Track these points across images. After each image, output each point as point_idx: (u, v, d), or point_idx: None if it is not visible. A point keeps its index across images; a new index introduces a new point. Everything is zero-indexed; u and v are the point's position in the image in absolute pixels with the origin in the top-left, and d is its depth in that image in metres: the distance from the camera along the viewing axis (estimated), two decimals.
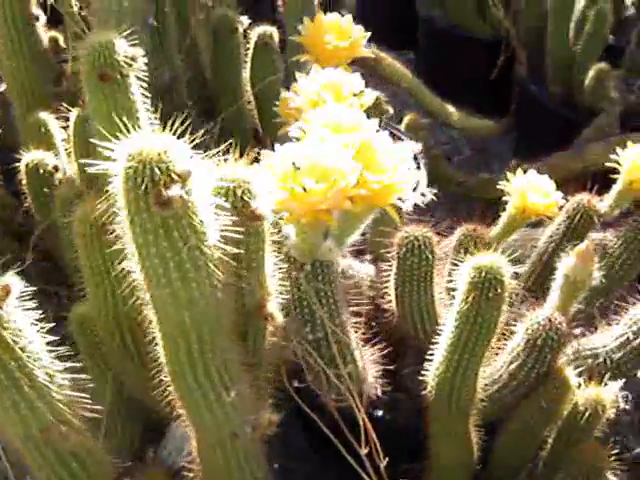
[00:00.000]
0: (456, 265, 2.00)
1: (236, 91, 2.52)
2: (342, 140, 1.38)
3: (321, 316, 1.55)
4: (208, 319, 1.18)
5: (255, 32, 2.41)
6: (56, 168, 2.19)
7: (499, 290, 1.42)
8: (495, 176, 2.83)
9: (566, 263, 1.62)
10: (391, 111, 2.64)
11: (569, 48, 2.95)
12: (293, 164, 1.24)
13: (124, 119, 1.66)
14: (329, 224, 1.41)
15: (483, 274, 1.43)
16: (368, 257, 2.26)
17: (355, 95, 1.56)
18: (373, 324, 2.08)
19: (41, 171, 2.16)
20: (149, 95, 2.29)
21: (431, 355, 1.66)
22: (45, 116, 2.29)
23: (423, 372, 1.69)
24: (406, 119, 2.85)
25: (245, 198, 1.17)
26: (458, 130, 3.21)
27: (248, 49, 2.45)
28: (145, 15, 2.02)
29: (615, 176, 2.04)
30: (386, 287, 1.98)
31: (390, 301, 1.97)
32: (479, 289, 1.43)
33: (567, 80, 2.99)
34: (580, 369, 1.69)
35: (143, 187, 0.99)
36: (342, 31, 1.86)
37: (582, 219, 2.02)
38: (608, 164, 2.05)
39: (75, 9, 2.20)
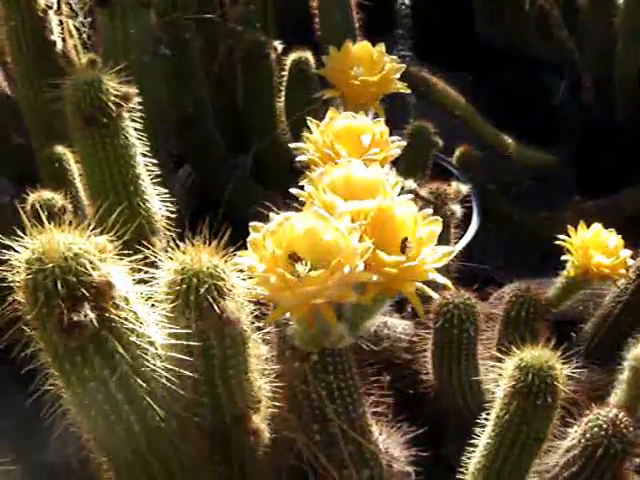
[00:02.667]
0: (504, 334, 1.69)
1: (270, 122, 2.21)
2: (351, 208, 1.05)
3: (332, 413, 1.22)
4: (164, 450, 0.86)
5: (289, 58, 2.11)
6: (63, 210, 1.90)
7: (549, 399, 1.08)
8: (556, 215, 2.48)
9: (635, 353, 1.26)
10: (441, 143, 2.31)
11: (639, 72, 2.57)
12: (279, 244, 0.92)
13: (114, 169, 1.40)
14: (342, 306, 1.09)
15: (530, 377, 1.10)
16: (410, 309, 1.94)
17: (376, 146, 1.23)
18: (410, 392, 1.76)
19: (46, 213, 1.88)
20: (165, 131, 2.03)
21: (474, 438, 1.32)
22: (61, 150, 2.00)
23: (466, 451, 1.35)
24: (458, 151, 2.51)
25: (210, 298, 0.85)
26: None
27: (283, 76, 2.14)
28: (155, 44, 1.72)
29: None
30: (425, 352, 1.67)
31: (428, 372, 1.65)
32: (524, 396, 1.09)
33: (637, 107, 2.61)
34: None
35: (43, 308, 0.68)
36: (372, 63, 1.53)
37: None
38: None
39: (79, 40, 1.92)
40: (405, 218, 1.07)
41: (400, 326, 1.80)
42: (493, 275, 2.29)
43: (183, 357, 0.82)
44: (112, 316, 0.73)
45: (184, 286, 0.87)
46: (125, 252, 1.01)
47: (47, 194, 1.84)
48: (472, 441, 1.33)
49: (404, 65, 1.55)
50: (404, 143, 1.27)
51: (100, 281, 0.70)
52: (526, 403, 1.10)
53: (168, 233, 1.55)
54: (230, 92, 2.23)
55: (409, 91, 1.56)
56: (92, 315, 0.69)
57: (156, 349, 0.82)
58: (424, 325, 1.66)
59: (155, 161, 1.48)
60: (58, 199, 1.85)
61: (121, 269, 0.77)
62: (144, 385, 0.79)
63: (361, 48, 1.54)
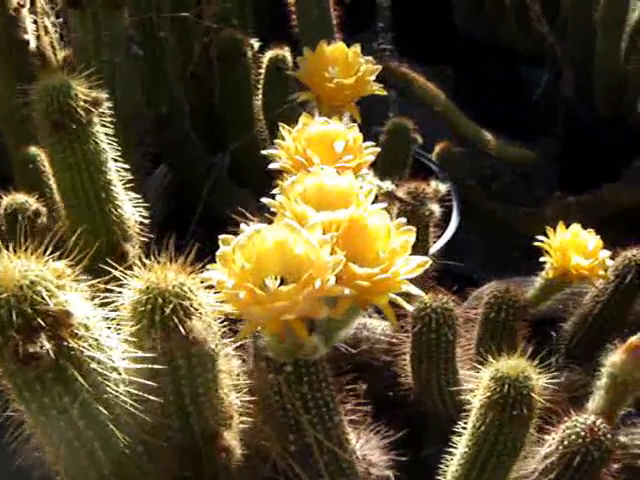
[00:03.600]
0: (484, 333, 1.68)
1: (247, 121, 2.19)
2: (323, 219, 1.03)
3: (307, 424, 1.21)
4: (131, 474, 0.84)
5: (266, 56, 2.08)
6: (37, 213, 1.87)
7: (525, 410, 1.07)
8: (537, 211, 2.46)
9: (612, 359, 1.25)
10: (420, 139, 2.29)
11: (620, 66, 2.55)
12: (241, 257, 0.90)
13: (84, 175, 1.37)
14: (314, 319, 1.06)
15: (506, 388, 1.08)
16: None
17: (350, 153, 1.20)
18: (389, 394, 1.75)
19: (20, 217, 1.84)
20: (141, 131, 2.00)
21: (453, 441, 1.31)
22: (35, 151, 1.97)
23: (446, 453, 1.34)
24: (438, 147, 2.49)
25: (176, 318, 0.83)
26: None
27: (260, 75, 2.11)
28: (128, 44, 1.69)
29: None
30: (404, 355, 1.65)
31: (407, 375, 1.64)
32: (500, 407, 1.08)
33: (618, 102, 2.59)
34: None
35: None
36: (348, 64, 1.50)
37: (634, 279, 1.65)
38: None
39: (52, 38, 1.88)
40: (378, 229, 1.05)
41: (379, 327, 1.78)
42: (473, 274, 2.27)
43: (148, 381, 0.80)
44: (71, 344, 0.71)
45: (149, 306, 0.85)
46: (93, 268, 0.99)
47: (20, 197, 1.80)
48: (451, 445, 1.32)
49: (380, 66, 1.52)
50: (378, 149, 1.25)
51: (57, 310, 0.68)
52: (502, 414, 1.08)
53: (141, 239, 1.52)
54: (206, 91, 2.20)
55: (385, 93, 1.53)
56: (48, 346, 0.67)
57: (119, 374, 0.80)
58: (403, 328, 1.64)
59: (127, 166, 1.45)
60: (32, 202, 1.82)
61: (81, 294, 0.75)
62: (106, 412, 0.77)
63: (336, 49, 1.51)
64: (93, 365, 0.74)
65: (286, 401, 1.20)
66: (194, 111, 2.18)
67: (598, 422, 1.23)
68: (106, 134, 1.42)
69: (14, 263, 0.70)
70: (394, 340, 1.73)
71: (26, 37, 2.05)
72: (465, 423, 1.22)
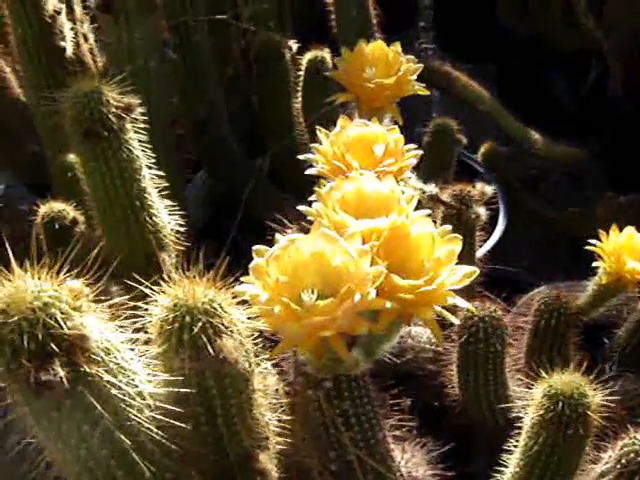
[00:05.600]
0: (534, 342, 1.60)
1: (286, 124, 2.13)
2: (362, 228, 0.96)
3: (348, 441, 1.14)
4: None
5: (305, 57, 2.02)
6: (74, 222, 1.83)
7: (581, 430, 0.99)
8: (587, 211, 2.36)
9: None
10: (464, 140, 2.21)
11: None
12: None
13: (118, 183, 1.32)
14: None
15: (560, 406, 1.00)
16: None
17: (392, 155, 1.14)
18: (435, 404, 1.67)
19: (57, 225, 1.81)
20: (178, 137, 1.96)
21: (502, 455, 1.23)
22: (73, 159, 1.93)
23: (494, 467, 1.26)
24: (483, 148, 2.40)
25: (205, 337, 0.77)
26: None
27: (299, 77, 2.05)
28: (163, 49, 1.64)
29: None
30: (450, 365, 1.58)
31: (454, 386, 1.56)
32: (554, 426, 1.00)
33: None
34: None
35: (10, 364, 0.60)
36: (388, 64, 1.43)
37: None
38: None
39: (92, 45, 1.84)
40: (421, 237, 0.98)
41: (425, 335, 1.71)
42: (522, 277, 2.19)
43: (177, 405, 0.74)
44: (89, 370, 0.65)
45: (176, 325, 0.79)
46: (125, 280, 0.94)
47: (58, 206, 1.77)
48: (500, 458, 1.24)
49: (421, 65, 1.45)
50: (420, 152, 1.18)
51: (73, 334, 0.63)
52: (557, 434, 1.01)
53: (178, 247, 1.47)
54: (245, 94, 2.15)
55: (427, 92, 1.46)
56: (62, 373, 0.61)
57: (143, 399, 0.74)
58: (450, 337, 1.57)
59: (162, 173, 1.40)
60: (69, 211, 1.78)
61: (100, 315, 0.69)
62: (129, 440, 0.71)
63: (375, 48, 1.45)
64: (114, 391, 0.69)
65: (326, 418, 1.13)
66: (233, 115, 2.13)
67: None
68: (140, 141, 1.37)
69: (26, 283, 0.64)
70: (440, 349, 1.66)
71: (62, 44, 2.01)
72: (516, 440, 1.15)
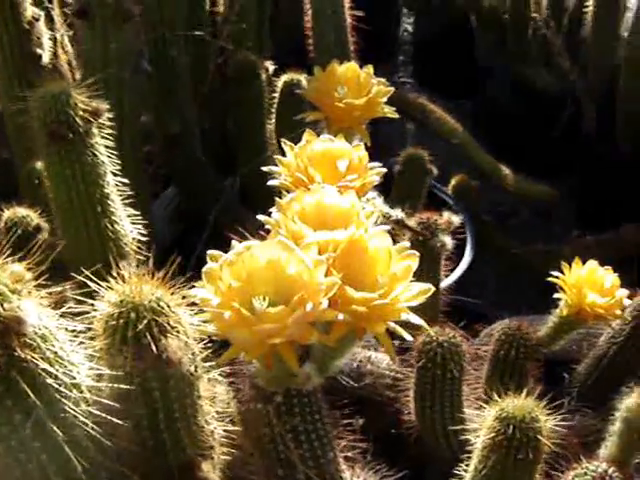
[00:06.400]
0: (493, 371, 1.59)
1: (259, 144, 2.12)
2: (319, 239, 0.95)
3: (298, 459, 1.12)
4: None
5: (281, 79, 2.02)
6: (37, 228, 1.81)
7: (531, 455, 0.98)
8: (555, 249, 2.37)
9: (628, 403, 1.16)
10: (436, 171, 2.22)
11: None
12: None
13: (81, 188, 1.31)
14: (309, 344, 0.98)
15: (511, 429, 0.99)
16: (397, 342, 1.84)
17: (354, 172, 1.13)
18: (392, 431, 1.66)
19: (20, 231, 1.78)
20: (149, 152, 1.95)
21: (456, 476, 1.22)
22: (41, 166, 1.91)
23: None
24: (454, 180, 2.42)
25: (149, 335, 0.75)
26: None
27: (274, 98, 2.05)
28: (137, 60, 1.63)
29: None
30: (408, 391, 1.56)
31: (410, 412, 1.55)
32: (504, 449, 0.99)
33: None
34: None
35: None
36: (359, 85, 1.43)
37: None
38: None
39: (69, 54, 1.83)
40: (378, 252, 0.97)
41: (384, 362, 1.70)
42: (485, 310, 2.18)
43: (117, 402, 0.72)
44: (22, 355, 0.64)
45: (121, 321, 0.77)
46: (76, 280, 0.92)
47: (22, 212, 1.74)
48: None
49: (392, 89, 1.46)
50: (384, 170, 1.18)
51: (8, 315, 0.61)
52: (506, 457, 0.99)
53: (139, 257, 1.45)
54: (219, 112, 2.14)
55: (397, 116, 1.46)
56: None
57: (80, 392, 0.72)
58: (408, 362, 1.56)
59: (127, 181, 1.39)
60: (33, 217, 1.75)
61: (41, 302, 0.68)
62: (62, 433, 0.69)
63: (347, 69, 1.45)
64: (49, 380, 0.67)
65: (276, 433, 1.11)
66: (205, 133, 2.12)
67: (610, 470, 1.13)
68: (107, 147, 1.36)
69: None
70: (398, 375, 1.65)
71: (39, 51, 2.00)
72: (467, 464, 1.13)
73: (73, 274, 0.88)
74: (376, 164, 1.20)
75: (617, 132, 2.59)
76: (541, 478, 1.15)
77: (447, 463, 1.48)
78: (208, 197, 2.16)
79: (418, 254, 1.01)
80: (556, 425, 1.05)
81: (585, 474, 1.14)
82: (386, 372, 1.69)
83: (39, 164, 1.82)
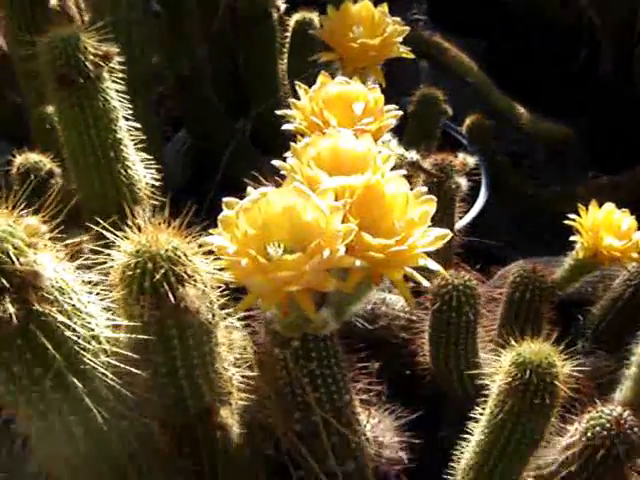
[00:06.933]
0: (508, 313, 1.59)
1: (271, 85, 2.10)
2: (335, 184, 0.94)
3: (314, 402, 1.13)
4: (114, 453, 0.77)
5: (293, 19, 1.99)
6: (50, 173, 1.80)
7: (548, 399, 0.98)
8: (569, 190, 2.35)
9: None
10: (450, 111, 2.19)
11: None
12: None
13: (92, 133, 1.30)
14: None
15: (527, 374, 0.99)
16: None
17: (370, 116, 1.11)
18: (407, 372, 1.66)
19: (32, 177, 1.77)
20: (160, 93, 1.92)
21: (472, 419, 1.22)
22: (52, 109, 1.89)
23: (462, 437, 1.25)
24: (468, 120, 2.38)
25: (166, 284, 0.75)
26: None
27: (286, 38, 2.02)
28: (148, 1, 1.60)
29: None
30: (423, 333, 1.56)
31: (425, 354, 1.55)
32: (520, 394, 0.99)
33: None
34: None
35: None
36: (374, 25, 1.41)
37: None
38: None
39: None
40: (395, 197, 0.97)
41: (399, 303, 1.70)
42: (500, 252, 2.18)
43: (136, 353, 0.72)
44: (40, 309, 0.63)
45: (138, 271, 0.77)
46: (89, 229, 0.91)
47: (34, 157, 1.73)
48: (468, 428, 1.23)
49: (408, 28, 1.43)
50: (400, 113, 1.16)
51: (24, 270, 0.61)
52: (522, 402, 1.00)
53: (153, 202, 1.45)
54: (230, 52, 2.11)
55: (412, 56, 1.44)
56: (12, 310, 0.59)
57: (99, 343, 0.72)
58: (423, 305, 1.56)
59: (139, 126, 1.37)
60: (46, 162, 1.74)
61: (57, 254, 0.67)
62: (82, 384, 0.69)
63: (362, 8, 1.42)
64: (67, 333, 0.67)
65: (293, 377, 1.12)
66: (217, 73, 2.09)
67: (625, 414, 1.14)
68: (118, 91, 1.34)
69: None
70: (413, 317, 1.65)
71: None
72: (483, 408, 1.14)
73: (88, 224, 0.87)
74: (392, 106, 1.18)
75: (635, 71, 2.54)
76: (557, 421, 1.15)
77: (462, 403, 1.49)
78: (220, 139, 2.14)
79: (435, 199, 1.00)
80: (572, 369, 1.05)
81: (600, 417, 1.14)
82: (401, 314, 1.69)
83: (50, 108, 1.80)
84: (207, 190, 2.09)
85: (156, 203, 1.46)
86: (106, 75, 1.30)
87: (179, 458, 0.90)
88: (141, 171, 1.42)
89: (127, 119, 1.37)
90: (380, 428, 1.39)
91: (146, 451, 0.82)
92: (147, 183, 1.44)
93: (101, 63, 1.27)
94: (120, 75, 1.32)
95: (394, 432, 1.42)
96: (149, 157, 1.44)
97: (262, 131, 2.18)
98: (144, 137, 1.42)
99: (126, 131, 1.37)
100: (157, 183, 1.46)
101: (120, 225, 0.86)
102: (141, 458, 0.81)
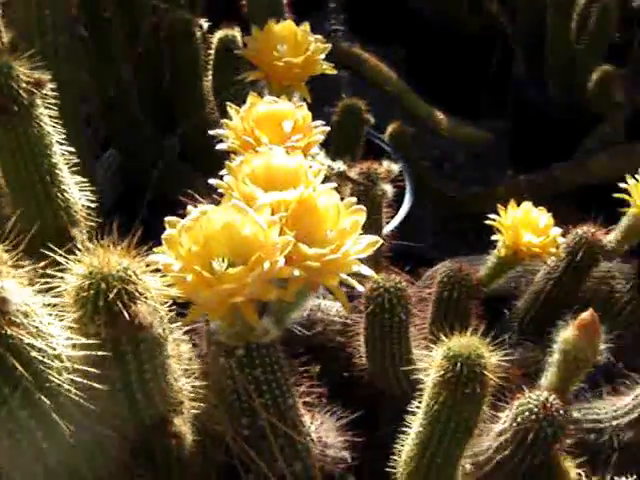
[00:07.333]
0: (437, 312, 1.67)
1: (197, 102, 2.14)
2: (271, 200, 1.01)
3: (260, 407, 1.19)
4: (77, 465, 0.81)
5: (216, 36, 2.04)
6: None
7: (478, 389, 1.06)
8: (489, 190, 2.47)
9: (565, 336, 1.25)
10: (372, 120, 2.28)
11: (571, 46, 2.55)
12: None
13: (28, 159, 1.33)
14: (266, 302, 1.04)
15: (458, 367, 1.07)
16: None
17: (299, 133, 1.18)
18: (345, 374, 1.73)
19: None
20: (87, 114, 1.96)
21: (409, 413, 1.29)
22: None
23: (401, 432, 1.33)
24: (390, 128, 2.47)
25: (120, 303, 0.80)
26: None
27: (210, 55, 2.07)
28: (72, 25, 1.64)
29: (621, 195, 1.65)
30: (358, 336, 1.63)
31: (362, 356, 1.62)
32: (452, 387, 1.07)
33: (568, 81, 2.60)
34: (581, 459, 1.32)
35: None
36: (297, 43, 1.47)
37: (585, 256, 1.66)
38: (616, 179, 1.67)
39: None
40: (327, 208, 1.04)
41: (334, 308, 1.77)
42: (427, 252, 2.27)
43: (94, 368, 0.77)
44: (9, 333, 0.68)
45: (92, 291, 0.82)
46: (37, 254, 0.96)
47: None
48: (406, 424, 1.31)
49: (329, 45, 1.50)
50: (327, 129, 1.23)
51: None
52: (455, 393, 1.08)
53: (89, 223, 1.48)
54: (155, 72, 2.15)
55: (335, 72, 1.51)
56: None
57: (62, 362, 0.77)
58: (357, 309, 1.63)
59: (73, 149, 1.41)
60: None
61: (19, 280, 0.72)
62: (49, 401, 0.74)
63: (284, 28, 1.49)
64: (34, 353, 0.71)
65: (238, 385, 1.18)
66: (143, 93, 2.13)
67: (551, 398, 1.23)
68: (50, 116, 1.38)
69: None
70: (348, 321, 1.72)
71: None
72: (419, 402, 1.21)
73: (34, 248, 0.91)
74: (319, 122, 1.25)
75: (546, 74, 2.67)
76: (489, 410, 1.24)
77: (399, 401, 1.56)
78: (148, 156, 2.18)
79: (364, 208, 1.07)
80: (500, 360, 1.13)
81: (528, 403, 1.23)
82: (336, 319, 1.76)
83: None
84: (138, 207, 2.13)
85: (91, 224, 1.50)
86: (39, 102, 1.33)
87: (137, 467, 0.95)
88: (76, 194, 1.46)
89: (60, 143, 1.41)
90: (323, 429, 1.45)
91: (107, 461, 0.87)
92: (83, 205, 1.47)
93: (34, 90, 1.31)
94: (51, 101, 1.36)
95: (337, 432, 1.48)
96: (83, 179, 1.47)
97: (190, 146, 2.23)
98: (77, 159, 1.46)
99: (60, 155, 1.41)
100: (92, 205, 1.50)
101: (64, 248, 0.91)
102: (102, 469, 0.86)
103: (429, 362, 1.13)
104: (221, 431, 1.20)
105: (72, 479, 0.83)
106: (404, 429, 1.30)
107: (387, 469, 1.35)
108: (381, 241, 1.06)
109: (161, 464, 1.00)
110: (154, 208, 2.11)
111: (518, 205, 1.63)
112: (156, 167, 2.14)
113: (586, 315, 1.26)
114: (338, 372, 1.71)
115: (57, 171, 1.38)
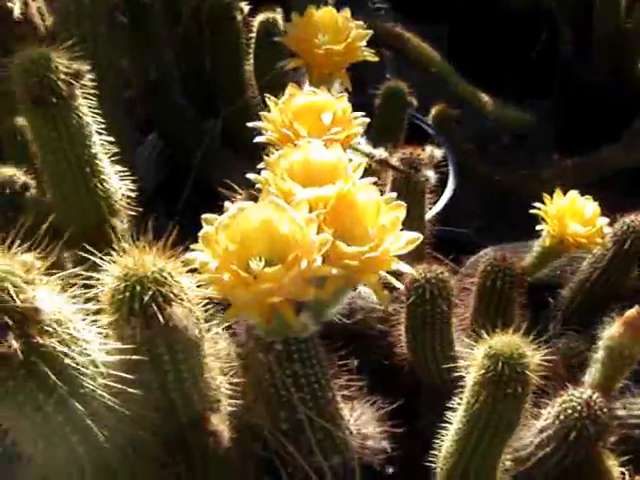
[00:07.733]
0: (480, 302, 1.65)
1: (238, 86, 2.13)
2: (309, 196, 0.99)
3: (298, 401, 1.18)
4: (113, 467, 0.82)
5: (257, 19, 2.02)
6: (25, 187, 1.83)
7: (519, 389, 1.04)
8: (535, 173, 2.42)
9: (610, 332, 1.22)
10: (415, 102, 2.24)
11: (620, 25, 2.48)
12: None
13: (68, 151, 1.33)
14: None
15: (500, 366, 1.05)
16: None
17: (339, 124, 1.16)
18: (385, 362, 1.72)
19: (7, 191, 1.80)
20: (129, 99, 1.96)
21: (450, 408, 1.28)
22: (22, 122, 1.91)
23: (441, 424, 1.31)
24: (434, 110, 2.44)
25: (155, 305, 0.80)
26: None
27: (251, 38, 2.06)
28: (111, 12, 1.63)
29: None
30: (399, 325, 1.62)
31: (402, 345, 1.61)
32: (493, 386, 1.05)
33: (617, 60, 2.53)
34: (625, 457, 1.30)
35: None
36: (337, 30, 1.45)
37: (633, 247, 1.62)
38: None
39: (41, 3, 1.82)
40: (367, 204, 1.02)
41: (374, 295, 1.75)
42: (471, 238, 2.24)
43: (129, 372, 0.77)
44: (41, 341, 0.68)
45: (127, 294, 0.81)
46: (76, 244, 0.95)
47: (8, 170, 1.76)
48: (446, 416, 1.29)
49: (371, 31, 1.47)
50: (367, 120, 1.21)
51: (25, 307, 0.65)
52: (496, 392, 1.06)
53: (130, 212, 1.49)
54: (197, 55, 2.15)
55: (377, 59, 1.48)
56: (16, 345, 0.64)
57: (96, 367, 0.77)
58: (398, 298, 1.61)
59: (112, 139, 1.40)
60: (20, 175, 1.77)
61: (52, 287, 0.72)
62: (82, 407, 0.74)
63: (325, 14, 1.46)
64: (67, 361, 0.71)
65: (277, 379, 1.17)
66: (184, 77, 2.13)
67: (594, 396, 1.21)
68: (90, 107, 1.37)
69: None
70: (389, 310, 1.70)
71: (9, 5, 1.99)
72: (460, 398, 1.20)
73: (71, 244, 0.91)
74: (359, 114, 1.23)
75: (594, 54, 2.60)
76: (531, 405, 1.22)
77: (438, 391, 1.55)
78: (190, 141, 2.18)
79: (404, 204, 1.05)
80: (542, 358, 1.11)
81: (571, 400, 1.21)
82: (377, 306, 1.74)
83: (20, 120, 1.83)
84: (180, 191, 2.14)
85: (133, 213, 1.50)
86: (78, 92, 1.33)
87: (172, 465, 0.95)
88: (116, 183, 1.46)
89: (100, 133, 1.41)
90: (362, 420, 1.44)
91: (142, 460, 0.87)
92: (123, 194, 1.47)
93: (73, 82, 1.30)
94: (91, 90, 1.36)
95: (376, 423, 1.47)
96: (123, 168, 1.47)
97: (232, 130, 2.22)
98: (117, 147, 1.45)
99: (100, 145, 1.41)
100: (132, 194, 1.50)
101: (103, 242, 0.91)
102: (137, 467, 0.86)
103: (470, 360, 1.11)
104: (259, 425, 1.20)
105: (107, 478, 0.83)
106: (443, 421, 1.29)
107: (426, 462, 1.34)
108: (421, 237, 1.04)
109: (198, 460, 1.00)
110: (198, 191, 2.11)
111: (565, 189, 1.59)
112: (198, 151, 2.14)
113: (632, 312, 1.23)
114: (378, 361, 1.70)
115: (97, 161, 1.39)
